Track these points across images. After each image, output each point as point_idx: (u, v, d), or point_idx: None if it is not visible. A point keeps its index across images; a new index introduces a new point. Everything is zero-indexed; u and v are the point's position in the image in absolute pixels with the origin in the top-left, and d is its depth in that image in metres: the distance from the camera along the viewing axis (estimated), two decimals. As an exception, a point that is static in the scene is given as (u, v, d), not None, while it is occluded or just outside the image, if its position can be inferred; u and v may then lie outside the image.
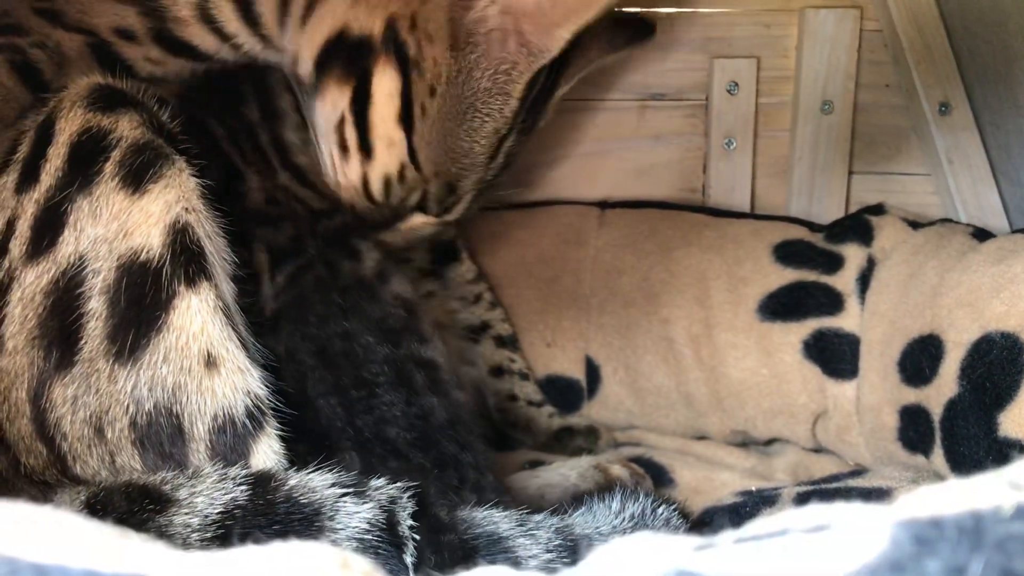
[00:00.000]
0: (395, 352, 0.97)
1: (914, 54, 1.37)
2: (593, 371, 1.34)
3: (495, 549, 0.75)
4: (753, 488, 1.12)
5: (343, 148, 1.04)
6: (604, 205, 1.44)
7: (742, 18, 1.45)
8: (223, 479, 0.75)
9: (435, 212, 1.09)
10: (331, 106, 1.02)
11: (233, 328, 0.81)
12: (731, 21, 1.46)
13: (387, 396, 0.94)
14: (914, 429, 1.11)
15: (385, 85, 0.98)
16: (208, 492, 0.73)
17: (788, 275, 1.27)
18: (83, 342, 0.77)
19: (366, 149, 1.03)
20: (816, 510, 0.43)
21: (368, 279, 1.04)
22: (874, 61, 1.42)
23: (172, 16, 1.02)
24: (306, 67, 1.03)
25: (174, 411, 0.78)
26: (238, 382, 0.79)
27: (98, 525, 0.44)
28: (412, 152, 1.01)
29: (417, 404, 0.95)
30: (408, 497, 0.76)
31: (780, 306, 1.26)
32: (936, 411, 1.07)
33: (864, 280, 1.24)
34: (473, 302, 1.34)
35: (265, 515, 0.72)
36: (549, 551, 0.76)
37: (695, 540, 0.45)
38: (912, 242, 1.23)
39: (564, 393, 1.35)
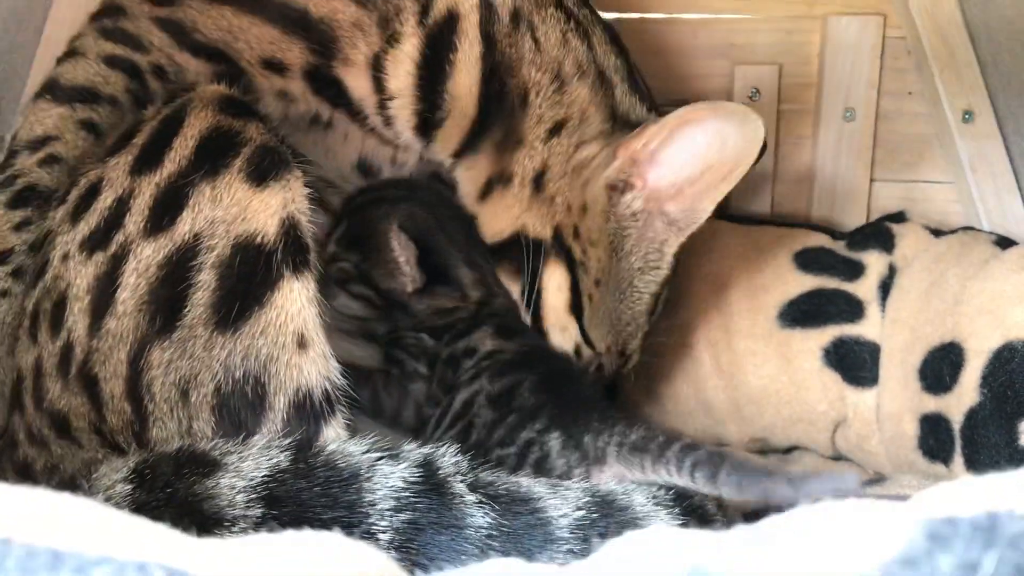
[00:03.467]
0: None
1: (938, 62, 1.37)
2: (612, 377, 1.34)
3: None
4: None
5: None
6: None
7: (764, 25, 1.45)
8: (269, 447, 0.79)
9: (610, 373, 1.16)
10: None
11: (322, 320, 0.87)
12: (753, 28, 1.46)
13: None
14: (934, 437, 1.10)
15: (555, 280, 1.08)
16: (255, 457, 0.78)
17: (809, 282, 1.27)
18: (187, 310, 0.84)
19: (537, 333, 1.10)
20: (831, 508, 0.43)
21: None
22: (897, 68, 1.42)
23: (343, 57, 1.07)
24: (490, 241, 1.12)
25: (262, 380, 0.84)
26: (321, 367, 0.86)
27: (116, 512, 0.45)
28: (584, 335, 1.10)
29: None
30: (450, 453, 0.81)
31: (800, 313, 1.25)
32: (956, 420, 1.06)
33: (885, 288, 1.23)
34: None
35: (306, 478, 0.76)
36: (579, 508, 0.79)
37: (709, 537, 0.45)
38: (934, 250, 1.22)
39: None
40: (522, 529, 0.76)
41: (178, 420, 0.84)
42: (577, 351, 1.11)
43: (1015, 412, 1.00)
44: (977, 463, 1.04)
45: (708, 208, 1.05)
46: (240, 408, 0.83)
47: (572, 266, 1.08)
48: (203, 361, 0.83)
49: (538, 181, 1.08)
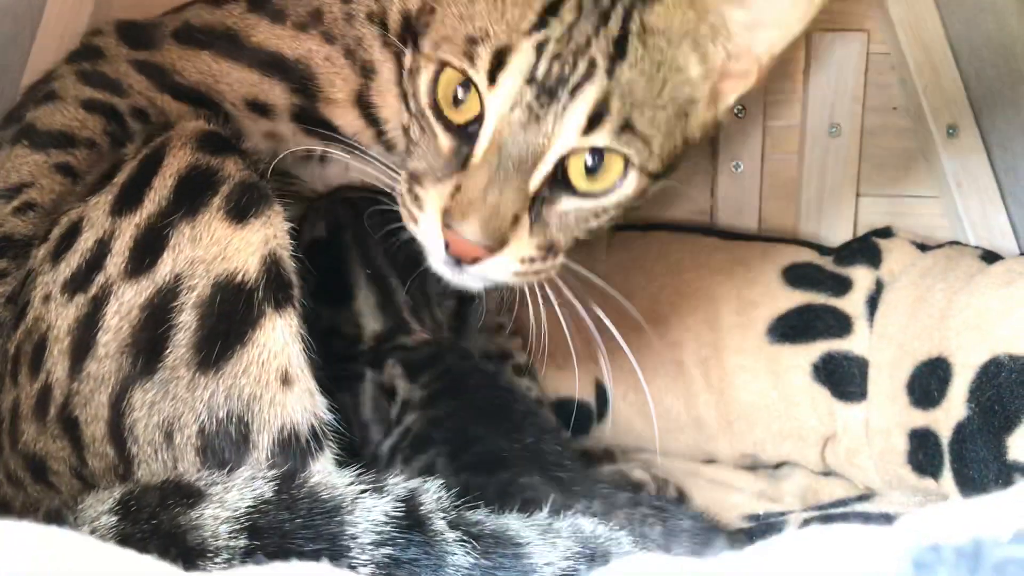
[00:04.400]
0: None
1: (921, 77, 1.38)
2: (602, 394, 1.34)
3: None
4: (760, 512, 1.11)
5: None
6: (614, 227, 1.44)
7: (749, 42, 1.46)
8: (254, 477, 0.79)
9: (477, 78, 0.93)
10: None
11: (307, 357, 0.86)
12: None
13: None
14: (923, 452, 1.11)
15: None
16: (239, 488, 0.77)
17: (797, 298, 1.28)
18: (168, 351, 0.83)
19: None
20: (817, 533, 0.44)
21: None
22: (881, 84, 1.43)
23: (325, 97, 1.07)
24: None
25: (245, 419, 0.83)
26: (307, 403, 0.86)
27: (103, 545, 0.45)
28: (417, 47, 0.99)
29: None
30: (433, 489, 0.80)
31: (789, 329, 1.26)
32: (945, 434, 1.07)
33: (873, 303, 1.24)
34: (495, 331, 1.34)
35: (289, 509, 0.76)
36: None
37: (696, 564, 0.46)
38: (920, 265, 1.23)
39: (574, 416, 1.34)
40: (503, 573, 0.76)
41: (163, 462, 0.84)
42: (411, 73, 0.99)
43: (1002, 426, 1.00)
44: (966, 478, 1.04)
45: None
46: (224, 448, 0.83)
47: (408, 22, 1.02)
48: (186, 402, 0.83)
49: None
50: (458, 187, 0.90)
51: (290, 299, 0.87)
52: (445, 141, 0.94)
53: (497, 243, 0.90)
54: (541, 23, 0.89)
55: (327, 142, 1.10)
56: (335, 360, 1.04)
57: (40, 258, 0.90)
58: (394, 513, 0.77)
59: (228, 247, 0.85)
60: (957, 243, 1.30)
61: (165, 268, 0.84)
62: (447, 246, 0.91)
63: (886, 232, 1.32)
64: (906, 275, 1.22)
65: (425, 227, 0.94)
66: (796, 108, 1.46)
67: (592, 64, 0.88)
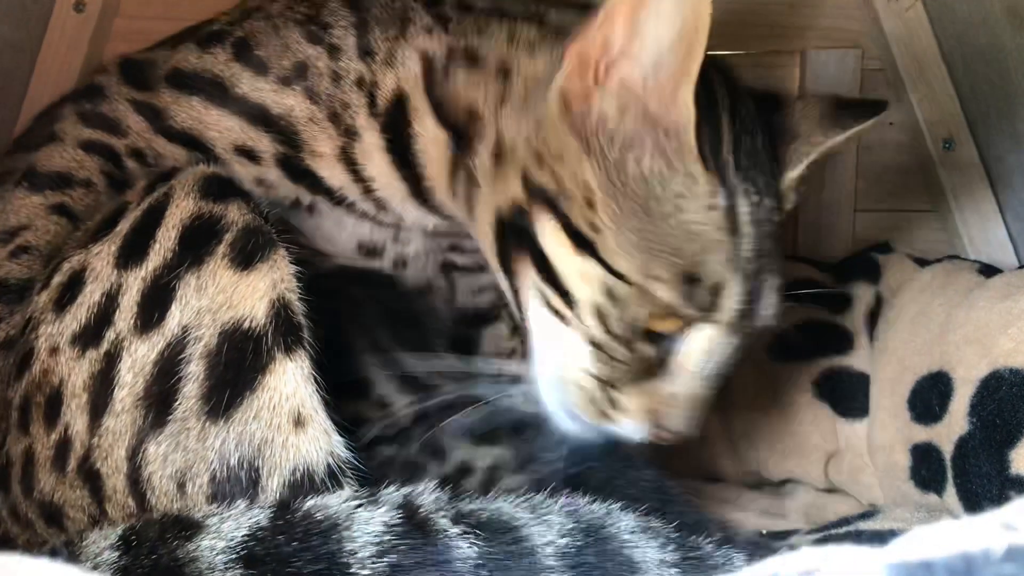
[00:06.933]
0: None
1: (916, 92, 1.39)
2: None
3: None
4: (763, 532, 1.11)
5: (560, 316, 0.96)
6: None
7: (744, 60, 1.47)
8: (251, 507, 0.79)
9: (694, 315, 0.91)
10: (536, 293, 0.97)
11: (321, 398, 0.86)
12: (733, 63, 1.46)
13: None
14: (926, 468, 1.10)
15: (548, 232, 0.93)
16: (235, 518, 0.78)
17: (798, 314, 1.28)
18: (178, 403, 0.84)
19: (569, 303, 0.94)
20: (807, 555, 0.44)
21: None
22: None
23: (310, 150, 1.07)
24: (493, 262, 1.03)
25: (255, 464, 0.84)
26: (323, 442, 0.85)
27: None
28: (606, 265, 0.91)
29: None
30: (429, 489, 0.81)
31: (790, 346, 1.26)
32: (947, 449, 1.06)
33: (873, 318, 1.24)
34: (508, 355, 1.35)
35: (284, 533, 0.76)
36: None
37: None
38: (919, 279, 1.23)
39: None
40: (510, 558, 0.76)
41: (177, 511, 0.83)
42: (610, 293, 0.91)
43: (1004, 441, 0.99)
44: (969, 492, 1.03)
45: (688, 97, 0.86)
46: (235, 493, 0.83)
47: (552, 204, 0.93)
48: (197, 452, 0.83)
49: (497, 154, 0.99)
50: (671, 394, 0.94)
51: (300, 341, 0.86)
52: (647, 350, 0.93)
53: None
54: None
55: (313, 193, 1.10)
56: None
57: (42, 306, 0.90)
58: (393, 521, 0.77)
59: (234, 294, 0.85)
60: (956, 257, 1.30)
61: (173, 321, 0.85)
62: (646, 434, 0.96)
63: (885, 247, 1.33)
64: (905, 290, 1.23)
65: (628, 427, 0.96)
66: (792, 125, 1.46)
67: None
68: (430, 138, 1.04)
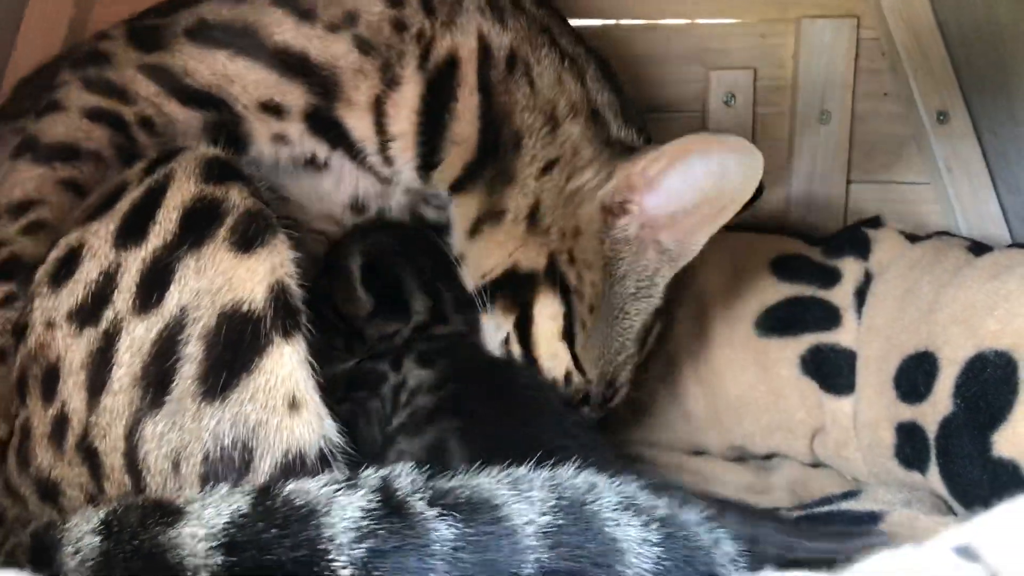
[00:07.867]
0: None
1: (911, 63, 1.37)
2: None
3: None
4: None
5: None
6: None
7: (738, 29, 1.45)
8: (232, 492, 0.78)
9: (598, 406, 1.15)
10: (495, 326, 1.12)
11: (316, 382, 0.87)
12: (727, 32, 1.45)
13: None
14: (910, 446, 1.11)
15: (548, 310, 1.08)
16: (216, 504, 0.77)
17: (785, 290, 1.27)
18: (175, 384, 0.84)
19: (529, 362, 1.10)
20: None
21: None
22: (871, 70, 1.42)
23: (346, 98, 1.07)
24: (470, 282, 1.14)
25: (249, 445, 0.84)
26: (315, 426, 0.86)
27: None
28: (576, 361, 1.09)
29: None
30: (406, 471, 0.80)
31: (777, 321, 1.26)
32: (931, 429, 1.07)
33: (861, 295, 1.23)
34: None
35: (264, 519, 0.76)
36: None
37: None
38: (909, 256, 1.22)
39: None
40: (489, 538, 0.75)
41: (171, 491, 0.84)
42: (567, 378, 1.10)
43: (987, 422, 1.00)
44: (952, 473, 1.04)
45: (701, 241, 1.04)
46: (226, 474, 0.84)
47: (566, 293, 1.07)
48: (192, 432, 0.83)
49: (532, 216, 1.08)
50: None
51: (298, 326, 0.87)
52: None
53: None
54: None
55: (332, 147, 1.10)
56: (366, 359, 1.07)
57: (37, 280, 0.90)
58: (370, 506, 0.76)
59: (234, 277, 0.85)
60: (946, 233, 1.29)
61: (172, 302, 0.85)
62: None
63: (875, 222, 1.31)
64: (894, 267, 1.22)
65: None
66: (786, 95, 1.45)
67: None
68: (463, 125, 1.08)
